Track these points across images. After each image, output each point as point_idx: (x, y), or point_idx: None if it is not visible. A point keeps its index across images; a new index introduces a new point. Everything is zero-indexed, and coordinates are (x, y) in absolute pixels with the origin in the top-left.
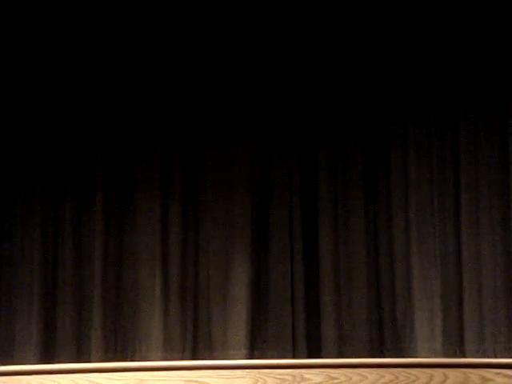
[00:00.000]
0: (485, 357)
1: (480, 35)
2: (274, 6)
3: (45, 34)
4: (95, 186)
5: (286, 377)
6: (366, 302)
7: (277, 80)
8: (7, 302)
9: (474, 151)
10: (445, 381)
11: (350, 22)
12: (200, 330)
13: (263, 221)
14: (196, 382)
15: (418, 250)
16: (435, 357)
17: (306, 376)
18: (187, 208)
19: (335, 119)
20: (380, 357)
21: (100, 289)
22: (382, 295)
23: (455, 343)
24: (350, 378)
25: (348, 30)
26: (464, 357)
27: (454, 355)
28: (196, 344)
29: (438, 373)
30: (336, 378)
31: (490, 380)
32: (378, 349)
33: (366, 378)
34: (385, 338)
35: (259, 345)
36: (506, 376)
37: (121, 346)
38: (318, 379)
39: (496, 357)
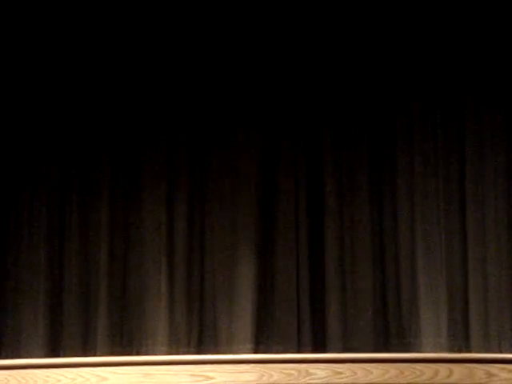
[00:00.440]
0: (490, 352)
1: (487, 33)
2: (276, 3)
3: (50, 31)
4: (101, 184)
5: (291, 371)
6: (371, 297)
7: (281, 75)
8: (14, 296)
9: (480, 147)
10: (450, 376)
11: (355, 21)
12: (205, 325)
13: (269, 216)
14: (201, 376)
15: (423, 246)
16: (440, 352)
17: (311, 371)
18: (193, 205)
19: (341, 119)
20: (385, 352)
21: (106, 283)
22: (387, 290)
23: (460, 338)
24: (355, 373)
25: (353, 28)
26: (469, 352)
27: (459, 350)
28: (201, 338)
29: (443, 368)
30: (341, 373)
31: (494, 375)
32: (383, 344)
33: (371, 372)
34: (390, 333)
35: (264, 339)
36: (511, 371)
37: (127, 340)
38: (323, 374)
39: (501, 352)
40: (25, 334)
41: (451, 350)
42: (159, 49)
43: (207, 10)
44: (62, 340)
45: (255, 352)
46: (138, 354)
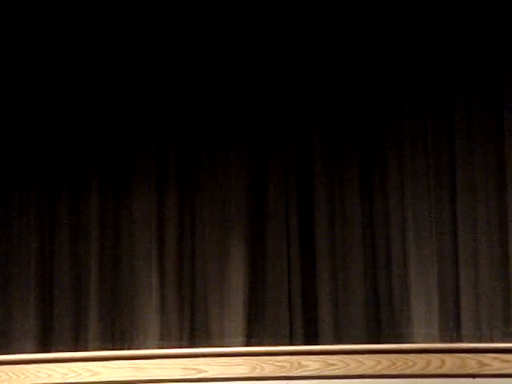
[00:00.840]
0: (481, 341)
1: (477, 27)
2: (268, 8)
3: (39, 31)
4: (91, 178)
5: (284, 364)
6: (362, 288)
7: (271, 72)
8: (4, 292)
9: (470, 143)
10: (442, 366)
11: (346, 20)
12: (197, 318)
13: (259, 210)
14: (193, 369)
15: (414, 237)
16: (432, 342)
17: (304, 363)
18: (183, 199)
19: (331, 113)
20: (377, 343)
21: (97, 278)
22: (378, 281)
23: (452, 328)
24: (348, 365)
25: (344, 27)
26: (461, 342)
27: (451, 340)
28: (193, 332)
29: (435, 358)
30: (333, 365)
31: (487, 365)
32: (375, 334)
33: (363, 364)
34: (382, 324)
35: (256, 332)
36: (503, 361)
37: (118, 335)
38: (316, 366)
39: (493, 341)
40: (15, 329)
41: (443, 340)
42: (149, 45)
43: (196, 10)
44: (53, 335)
45: (247, 345)
46: (129, 348)
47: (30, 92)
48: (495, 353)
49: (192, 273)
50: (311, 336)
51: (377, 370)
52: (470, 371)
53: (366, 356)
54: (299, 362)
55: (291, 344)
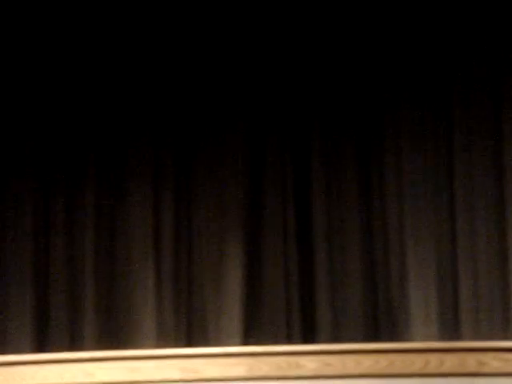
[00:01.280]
0: (481, 340)
1: (477, 32)
2: (262, 5)
3: (38, 32)
4: (87, 180)
5: (281, 364)
6: (360, 287)
7: (269, 77)
8: (0, 292)
9: (468, 140)
10: (441, 365)
11: (343, 20)
12: (194, 318)
13: (256, 209)
14: (190, 370)
15: (412, 236)
16: (431, 341)
17: (301, 362)
18: (180, 199)
19: (329, 114)
20: (375, 342)
21: (92, 278)
22: (376, 280)
23: (451, 327)
24: (346, 364)
25: (342, 31)
26: (460, 340)
27: (450, 339)
28: (190, 332)
29: (434, 357)
30: (331, 365)
31: (486, 364)
32: (373, 334)
33: (361, 363)
34: (380, 323)
35: (253, 332)
36: (502, 359)
37: (114, 336)
38: (313, 366)
39: (492, 340)
40: (11, 330)
41: (442, 339)
42: (147, 49)
43: (194, 14)
44: (50, 336)
45: (244, 345)
46: (126, 348)
47: (27, 93)
48: (494, 351)
49: (188, 273)
50: (309, 336)
51: (375, 370)
52: (469, 370)
53: (364, 356)
54: (297, 362)
55: (289, 344)
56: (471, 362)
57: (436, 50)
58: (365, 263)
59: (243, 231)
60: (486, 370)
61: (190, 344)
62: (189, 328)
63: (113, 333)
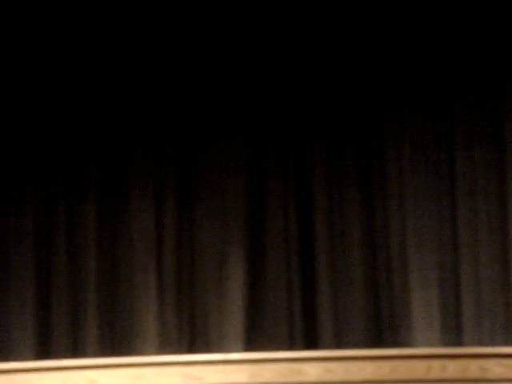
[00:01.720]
0: (483, 346)
1: (478, 36)
2: (265, 11)
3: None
4: (89, 186)
5: (283, 370)
6: (363, 293)
7: (270, 78)
8: (2, 300)
9: (470, 144)
10: (443, 371)
11: (342, 30)
12: (196, 325)
13: (258, 215)
14: (193, 376)
15: (414, 242)
16: (433, 347)
17: (303, 369)
18: (182, 205)
19: (330, 120)
20: (378, 348)
21: (95, 285)
22: (379, 285)
23: (453, 333)
24: (348, 371)
25: (341, 39)
26: (462, 346)
27: (452, 345)
28: (192, 339)
29: (436, 363)
30: (333, 371)
31: (488, 370)
32: (376, 340)
33: (363, 369)
34: (382, 329)
35: (256, 338)
36: (504, 366)
37: (117, 342)
38: (316, 372)
39: (495, 345)
40: (14, 337)
41: (444, 345)
42: (147, 57)
43: (193, 22)
44: (52, 343)
45: (246, 351)
46: (128, 355)
47: (27, 100)
48: (497, 358)
49: (191, 280)
50: (311, 342)
51: (378, 376)
52: (472, 376)
53: (366, 362)
54: (299, 369)
55: (291, 350)
56: (474, 367)
57: (436, 59)
58: (367, 269)
59: (245, 239)
60: (488, 376)
61: (192, 350)
62: (191, 335)
63: (115, 339)
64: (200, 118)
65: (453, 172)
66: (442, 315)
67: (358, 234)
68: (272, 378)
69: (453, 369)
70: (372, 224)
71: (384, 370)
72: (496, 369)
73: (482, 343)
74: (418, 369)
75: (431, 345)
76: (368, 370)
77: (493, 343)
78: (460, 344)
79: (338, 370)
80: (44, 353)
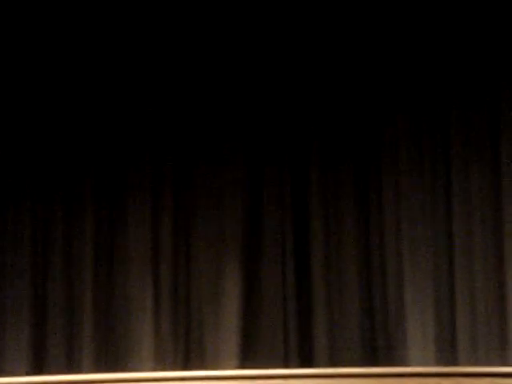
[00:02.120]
0: (478, 364)
1: (474, 39)
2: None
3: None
4: (85, 201)
5: None
6: (357, 311)
7: (268, 94)
8: None
9: (465, 162)
10: None
11: (339, 41)
12: (191, 341)
13: (254, 230)
14: None
15: (409, 259)
16: (428, 365)
17: None
18: (178, 220)
19: (327, 132)
20: (372, 366)
21: (91, 300)
22: (374, 303)
23: (448, 352)
24: None
25: (338, 50)
26: (457, 365)
27: (447, 364)
28: (188, 355)
29: (431, 382)
30: None
31: None
32: (370, 358)
33: None
34: (377, 347)
35: (251, 355)
36: None
37: (112, 358)
38: None
39: (489, 365)
40: (9, 351)
41: (439, 364)
42: (149, 67)
43: (192, 30)
44: (47, 358)
45: (241, 367)
46: (123, 371)
47: (25, 109)
48: (491, 377)
49: (186, 296)
50: (306, 359)
51: None
52: None
53: (361, 380)
54: None
55: (286, 367)
56: None
57: (432, 71)
58: (362, 287)
59: (241, 255)
60: None
61: (187, 367)
62: (186, 351)
63: (111, 355)
64: (197, 131)
65: (448, 184)
66: (437, 334)
67: (353, 252)
68: None
69: None
70: (367, 243)
71: None
72: None
73: (476, 362)
74: None
75: (426, 363)
76: None
77: (488, 362)
78: (454, 363)
79: None
80: (39, 368)
